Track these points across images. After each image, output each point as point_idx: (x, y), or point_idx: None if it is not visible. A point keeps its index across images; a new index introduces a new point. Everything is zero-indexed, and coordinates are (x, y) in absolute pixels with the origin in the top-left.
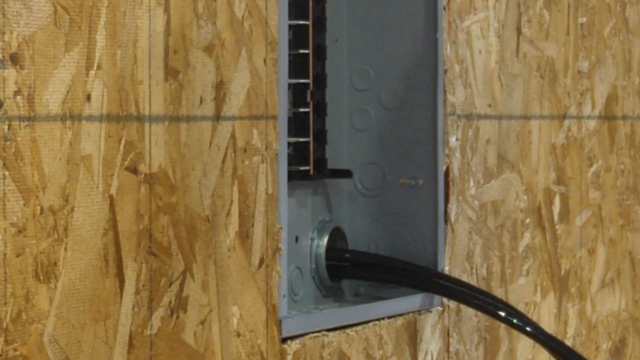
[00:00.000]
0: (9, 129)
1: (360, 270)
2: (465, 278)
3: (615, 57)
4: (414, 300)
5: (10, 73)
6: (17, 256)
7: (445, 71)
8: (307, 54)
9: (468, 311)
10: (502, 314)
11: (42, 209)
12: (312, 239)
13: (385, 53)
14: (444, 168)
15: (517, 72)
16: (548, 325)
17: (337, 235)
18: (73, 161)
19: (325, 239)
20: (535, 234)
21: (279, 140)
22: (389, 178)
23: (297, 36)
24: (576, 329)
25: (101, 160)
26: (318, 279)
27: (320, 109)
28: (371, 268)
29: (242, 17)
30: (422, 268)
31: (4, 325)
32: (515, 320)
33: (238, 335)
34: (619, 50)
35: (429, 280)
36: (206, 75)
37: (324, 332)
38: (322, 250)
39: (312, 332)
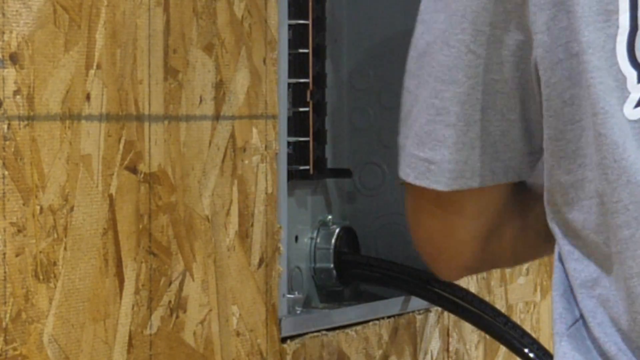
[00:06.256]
0: (8, 128)
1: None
2: (465, 277)
3: None
4: (414, 300)
5: (10, 72)
6: (17, 256)
7: None
8: (307, 54)
9: None
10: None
11: (41, 209)
12: (312, 238)
13: (385, 53)
14: None
15: None
16: (548, 324)
17: (345, 235)
18: (72, 161)
19: (333, 240)
20: None
21: (279, 139)
22: (389, 178)
23: (297, 36)
24: None
25: (101, 160)
26: (319, 279)
27: (320, 109)
28: (374, 270)
29: (242, 16)
30: (421, 273)
31: (4, 324)
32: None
33: (238, 334)
34: None
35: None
36: (206, 75)
37: (324, 332)
38: (329, 251)
39: (312, 332)
